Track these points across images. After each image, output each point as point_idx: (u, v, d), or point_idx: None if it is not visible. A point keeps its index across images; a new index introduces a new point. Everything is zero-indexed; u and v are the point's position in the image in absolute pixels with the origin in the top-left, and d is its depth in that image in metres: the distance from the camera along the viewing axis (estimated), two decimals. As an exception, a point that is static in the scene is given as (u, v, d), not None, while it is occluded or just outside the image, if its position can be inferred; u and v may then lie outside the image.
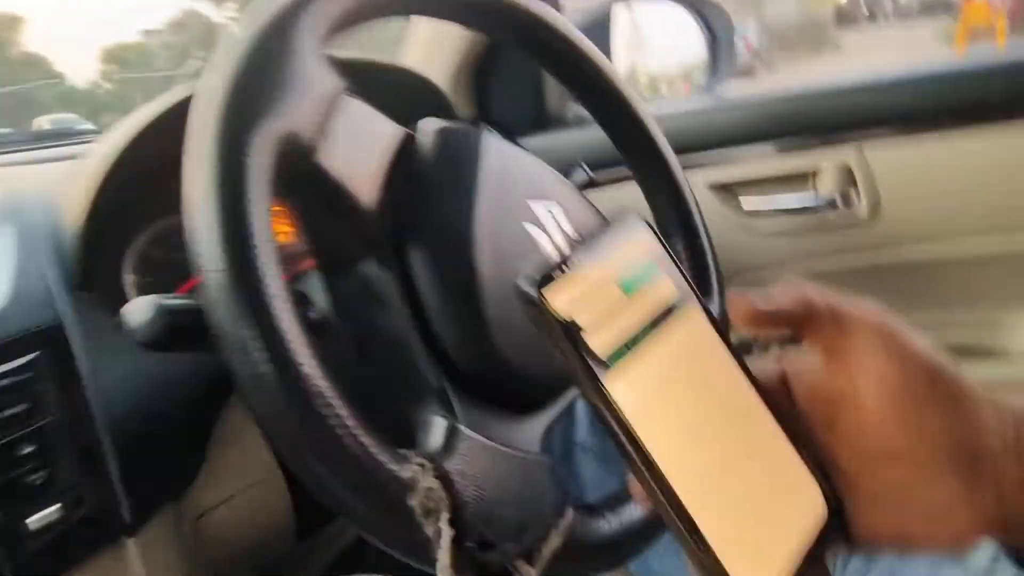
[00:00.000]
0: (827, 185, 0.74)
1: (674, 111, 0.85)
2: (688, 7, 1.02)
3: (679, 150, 0.50)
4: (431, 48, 0.80)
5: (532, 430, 0.37)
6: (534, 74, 0.87)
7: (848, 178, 0.72)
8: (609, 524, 0.34)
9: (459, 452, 0.31)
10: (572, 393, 0.39)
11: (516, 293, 0.22)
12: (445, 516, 0.27)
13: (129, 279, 0.54)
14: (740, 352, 0.25)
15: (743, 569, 0.21)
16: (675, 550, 0.21)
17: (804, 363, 0.25)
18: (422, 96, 0.64)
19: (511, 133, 0.83)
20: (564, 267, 0.22)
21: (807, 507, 0.23)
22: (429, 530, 0.27)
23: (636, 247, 0.24)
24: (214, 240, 0.27)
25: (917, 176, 0.68)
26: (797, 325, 0.24)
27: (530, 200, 0.40)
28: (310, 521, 0.60)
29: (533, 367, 0.36)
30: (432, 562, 0.28)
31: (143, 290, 0.54)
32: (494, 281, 0.36)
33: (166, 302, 0.34)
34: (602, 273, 0.23)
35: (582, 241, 0.24)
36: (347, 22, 0.35)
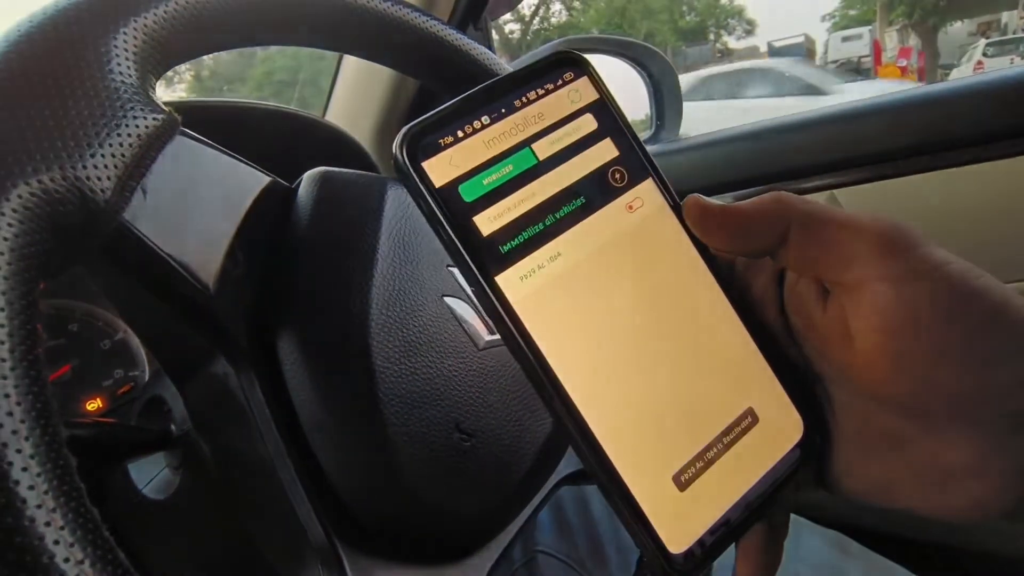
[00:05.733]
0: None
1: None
2: (627, 59, 0.99)
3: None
4: (354, 100, 0.73)
5: None
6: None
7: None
8: None
9: None
10: (513, 529, 0.29)
11: (393, 164, 0.18)
12: None
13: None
14: (704, 246, 0.20)
15: (672, 508, 0.18)
16: None
17: (791, 282, 0.20)
18: (331, 152, 0.55)
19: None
20: (458, 130, 0.18)
21: (774, 432, 0.20)
22: None
23: (570, 98, 0.20)
24: None
25: (898, 217, 0.63)
26: (770, 237, 0.19)
27: (452, 266, 0.31)
28: None
29: (455, 499, 0.26)
30: None
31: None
32: (396, 379, 0.26)
33: None
34: (512, 131, 0.19)
35: (491, 88, 0.19)
36: (186, 45, 0.25)
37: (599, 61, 1.05)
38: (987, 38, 11.39)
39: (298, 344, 0.25)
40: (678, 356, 0.19)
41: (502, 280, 0.18)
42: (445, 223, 0.18)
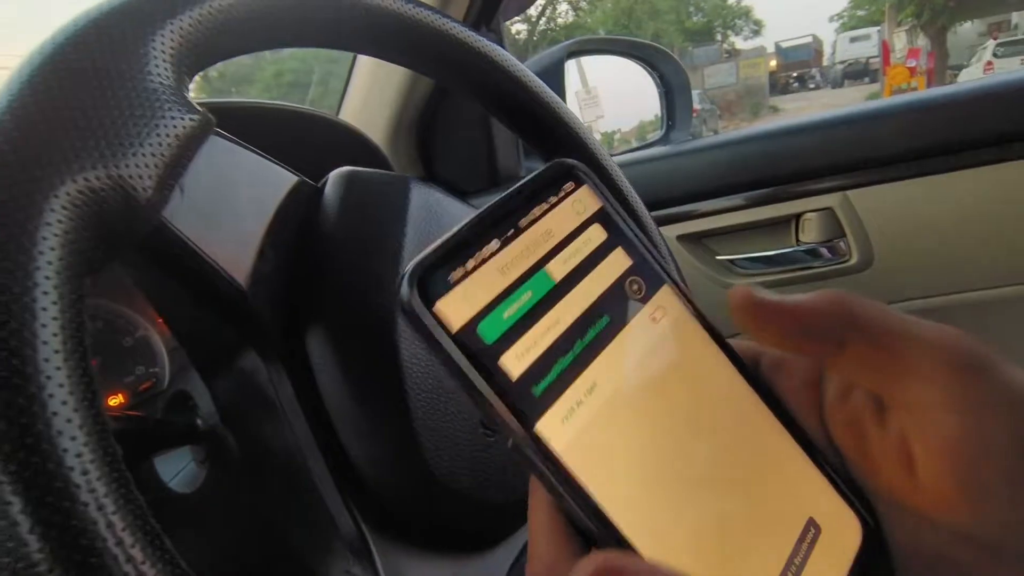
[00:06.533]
0: (811, 233, 0.68)
1: (633, 159, 0.80)
2: (639, 60, 0.99)
3: (648, 203, 0.43)
4: (368, 101, 0.73)
5: (496, 569, 0.27)
6: (484, 128, 0.80)
7: (834, 225, 0.66)
8: None
9: None
10: None
11: (400, 311, 0.15)
12: None
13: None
14: (730, 347, 0.19)
15: None
16: None
17: (838, 391, 0.18)
18: (348, 151, 0.55)
19: (461, 193, 0.76)
20: (467, 260, 0.16)
21: (839, 539, 0.18)
22: None
23: (574, 209, 0.18)
24: None
25: (910, 220, 0.63)
26: (828, 340, 0.17)
27: None
28: None
29: (480, 489, 0.26)
30: None
31: None
32: (422, 375, 0.26)
33: None
34: (530, 252, 0.17)
35: (495, 209, 0.17)
36: (219, 47, 0.26)
37: (609, 62, 1.05)
38: (995, 39, 11.32)
39: (327, 339, 0.25)
40: (733, 475, 0.18)
41: (543, 427, 0.15)
42: (469, 373, 0.15)
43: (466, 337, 0.15)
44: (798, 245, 0.69)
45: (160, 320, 0.51)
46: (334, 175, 0.30)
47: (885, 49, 12.91)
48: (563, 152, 0.40)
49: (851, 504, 0.19)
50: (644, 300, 0.19)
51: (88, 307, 0.42)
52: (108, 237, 0.20)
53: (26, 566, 0.16)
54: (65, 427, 0.17)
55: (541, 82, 0.39)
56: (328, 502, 0.25)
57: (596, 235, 0.19)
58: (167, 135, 0.21)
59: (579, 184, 0.19)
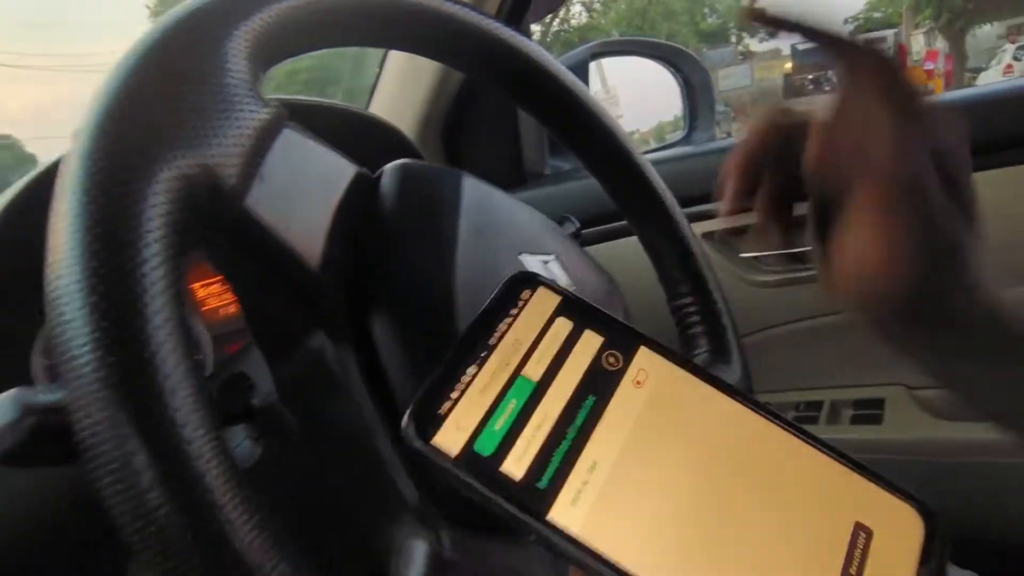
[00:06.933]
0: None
1: (657, 158, 0.81)
2: (662, 61, 1.01)
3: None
4: (397, 97, 0.75)
5: (539, 551, 0.28)
6: (510, 127, 0.82)
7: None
8: None
9: None
10: None
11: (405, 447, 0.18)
12: None
13: (38, 362, 0.45)
14: (720, 380, 0.20)
15: None
16: None
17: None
18: (384, 145, 0.57)
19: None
20: (452, 391, 0.18)
21: (895, 531, 0.19)
22: None
23: (536, 312, 0.20)
24: (86, 314, 0.19)
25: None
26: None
27: (522, 255, 0.33)
28: None
29: None
30: None
31: (54, 376, 0.45)
32: None
33: (37, 398, 0.25)
34: (504, 365, 0.19)
35: (467, 332, 0.20)
36: (289, 46, 0.28)
37: (627, 63, 1.06)
38: (1013, 42, 11.18)
39: (390, 323, 0.27)
40: (760, 502, 0.18)
41: (556, 515, 0.17)
42: (477, 486, 0.17)
43: (467, 458, 0.18)
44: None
45: (202, 310, 0.53)
46: (390, 167, 0.32)
47: (902, 51, 12.79)
48: (596, 149, 0.42)
49: (902, 496, 0.19)
50: (624, 369, 0.20)
51: None
52: (200, 220, 0.22)
53: (136, 494, 0.17)
54: (176, 387, 0.18)
55: (582, 85, 0.41)
56: (393, 475, 0.26)
57: (563, 327, 0.20)
58: (247, 127, 0.23)
59: (534, 288, 0.21)
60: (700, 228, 0.77)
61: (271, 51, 0.26)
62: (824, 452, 0.19)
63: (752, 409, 0.20)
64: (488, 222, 0.32)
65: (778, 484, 0.19)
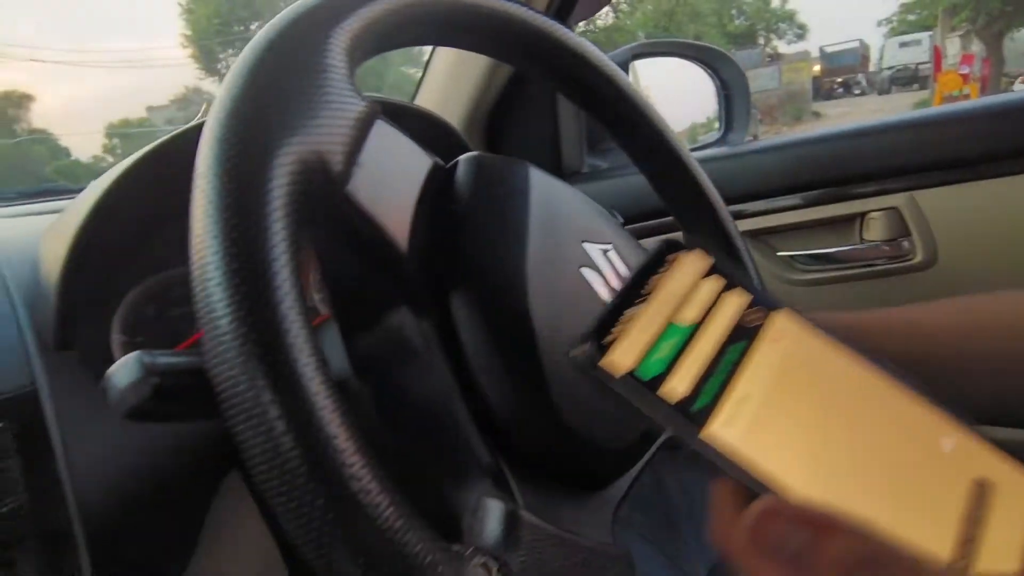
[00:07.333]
0: (875, 231, 0.69)
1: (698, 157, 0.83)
2: (698, 61, 1.02)
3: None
4: (444, 94, 0.78)
5: (601, 512, 0.30)
6: (551, 125, 0.84)
7: (899, 224, 0.68)
8: None
9: (524, 545, 0.24)
10: (642, 463, 0.33)
11: (573, 364, 0.21)
12: None
13: (117, 339, 0.48)
14: (847, 346, 0.23)
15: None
16: None
17: None
18: (433, 139, 0.60)
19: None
20: (615, 320, 0.21)
21: (1016, 491, 0.20)
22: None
23: (682, 273, 0.23)
24: (226, 279, 0.21)
25: (977, 221, 0.64)
26: None
27: (585, 242, 0.35)
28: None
29: (599, 434, 0.30)
30: None
31: (131, 351, 0.48)
32: (550, 333, 0.30)
33: (157, 360, 0.28)
34: (657, 314, 0.22)
35: (626, 284, 0.23)
36: (377, 44, 0.31)
37: (660, 65, 1.07)
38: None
39: (468, 302, 0.29)
40: (887, 447, 0.21)
41: (707, 434, 0.20)
42: (637, 403, 0.20)
43: (629, 380, 0.21)
44: (861, 243, 0.71)
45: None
46: (463, 159, 0.34)
47: (937, 54, 12.51)
48: (644, 145, 0.44)
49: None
50: (765, 326, 0.23)
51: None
52: (313, 201, 0.24)
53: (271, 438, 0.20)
54: (302, 346, 0.21)
55: (631, 83, 0.43)
56: (470, 439, 0.28)
57: (715, 285, 0.24)
58: (349, 118, 0.26)
59: (685, 252, 0.24)
60: (739, 226, 0.78)
61: (364, 49, 0.29)
62: (947, 415, 0.22)
63: (875, 366, 0.22)
64: (552, 211, 0.35)
65: (905, 435, 0.21)
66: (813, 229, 0.73)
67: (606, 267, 0.35)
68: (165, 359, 0.28)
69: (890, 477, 0.20)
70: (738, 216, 0.77)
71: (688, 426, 0.20)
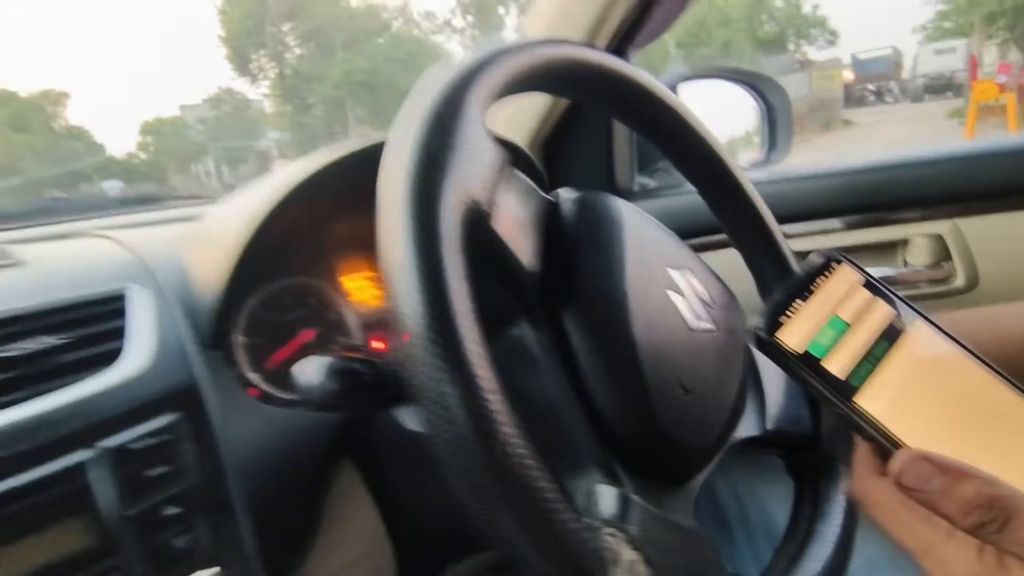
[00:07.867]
0: (917, 256, 0.74)
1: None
2: (741, 83, 1.06)
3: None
4: (512, 119, 0.84)
5: (685, 501, 0.36)
6: (604, 146, 0.90)
7: (941, 250, 0.72)
8: None
9: (636, 521, 0.30)
10: (715, 461, 0.38)
11: (755, 340, 0.28)
12: None
13: (238, 340, 0.54)
14: (972, 351, 0.29)
15: None
16: None
17: None
18: (525, 169, 0.66)
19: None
20: (787, 312, 0.29)
21: None
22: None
23: (841, 279, 0.30)
24: (419, 301, 0.28)
25: (1018, 247, 0.68)
26: None
27: (669, 268, 0.41)
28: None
29: (687, 433, 0.35)
30: None
31: (250, 351, 0.55)
32: (646, 346, 0.36)
33: (335, 363, 0.34)
34: (820, 308, 0.29)
35: (794, 284, 0.30)
36: (501, 95, 0.37)
37: (711, 85, 1.12)
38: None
39: (579, 319, 0.35)
40: (1000, 440, 0.27)
41: (859, 401, 0.27)
42: (805, 373, 0.27)
43: (799, 354, 0.28)
44: (904, 267, 0.75)
45: (348, 300, 0.62)
46: (565, 193, 0.40)
47: (973, 63, 12.25)
48: (706, 173, 0.49)
49: None
50: (907, 331, 0.30)
51: (303, 287, 0.59)
52: (471, 235, 0.30)
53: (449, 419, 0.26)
54: (473, 348, 0.27)
55: (692, 111, 0.48)
56: (581, 438, 0.34)
57: (865, 293, 0.31)
58: (486, 162, 0.32)
59: (841, 264, 0.31)
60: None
61: (490, 98, 0.35)
62: None
63: (995, 373, 0.29)
64: (642, 239, 0.40)
65: (1011, 417, 0.28)
66: (856, 252, 0.78)
67: (687, 290, 0.40)
68: (338, 363, 0.34)
69: (1002, 455, 0.26)
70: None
71: (843, 396, 0.27)
